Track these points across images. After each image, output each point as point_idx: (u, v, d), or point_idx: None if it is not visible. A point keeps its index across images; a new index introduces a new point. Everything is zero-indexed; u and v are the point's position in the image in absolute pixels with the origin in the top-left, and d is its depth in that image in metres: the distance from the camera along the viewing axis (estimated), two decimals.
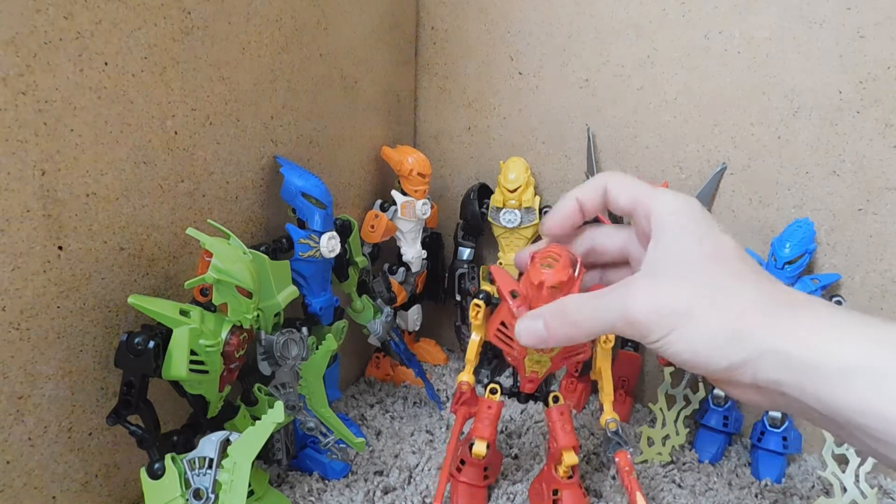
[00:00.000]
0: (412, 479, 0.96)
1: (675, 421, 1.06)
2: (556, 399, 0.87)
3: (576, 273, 0.80)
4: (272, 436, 0.86)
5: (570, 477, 0.85)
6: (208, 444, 0.70)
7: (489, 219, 1.19)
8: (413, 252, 1.16)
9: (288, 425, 0.90)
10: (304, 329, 0.88)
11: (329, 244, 0.91)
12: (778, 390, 0.50)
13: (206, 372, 0.71)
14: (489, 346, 0.91)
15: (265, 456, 0.89)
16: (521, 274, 0.81)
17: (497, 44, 1.19)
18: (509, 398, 0.91)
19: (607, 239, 0.72)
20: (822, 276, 1.01)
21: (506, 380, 0.95)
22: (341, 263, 1.00)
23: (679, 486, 0.99)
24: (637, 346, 1.16)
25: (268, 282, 0.81)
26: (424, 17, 1.24)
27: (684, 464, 1.04)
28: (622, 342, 1.15)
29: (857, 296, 1.02)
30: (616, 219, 1.03)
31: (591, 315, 0.60)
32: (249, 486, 0.73)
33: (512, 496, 0.93)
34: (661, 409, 1.07)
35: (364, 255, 1.07)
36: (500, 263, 1.19)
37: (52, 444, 0.68)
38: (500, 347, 0.85)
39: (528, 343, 0.66)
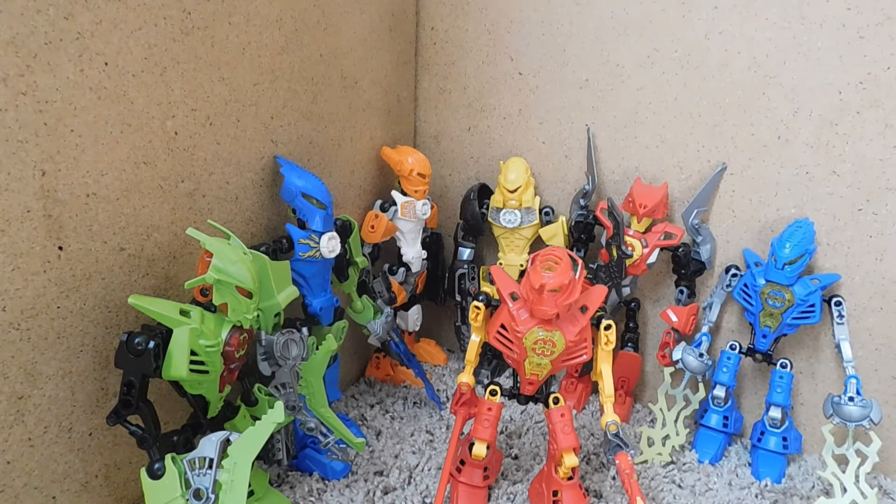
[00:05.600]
0: (412, 480, 0.96)
1: (675, 421, 1.06)
2: (556, 401, 0.87)
3: (577, 275, 0.80)
4: (272, 436, 0.86)
5: (570, 478, 0.85)
6: (208, 444, 0.70)
7: (489, 219, 1.19)
8: (413, 252, 1.16)
9: (288, 425, 0.90)
10: (304, 329, 0.88)
11: (329, 244, 0.91)
12: None
13: (207, 372, 0.71)
14: (489, 347, 0.91)
15: (265, 456, 0.89)
16: (520, 275, 0.81)
17: (497, 44, 1.19)
18: (509, 400, 0.91)
19: None
20: (822, 277, 1.01)
21: (505, 381, 0.95)
22: (341, 264, 1.00)
23: (679, 486, 0.99)
24: (637, 346, 1.16)
25: (268, 282, 0.81)
26: (424, 17, 1.24)
27: (684, 464, 1.04)
28: (622, 342, 1.15)
29: (857, 296, 1.02)
30: (616, 219, 1.03)
31: None
32: (249, 486, 0.73)
33: (512, 496, 0.93)
34: (661, 410, 1.07)
35: (364, 255, 1.07)
36: (501, 264, 1.19)
37: (52, 444, 0.68)
38: (500, 350, 0.85)
39: None
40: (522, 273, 1.14)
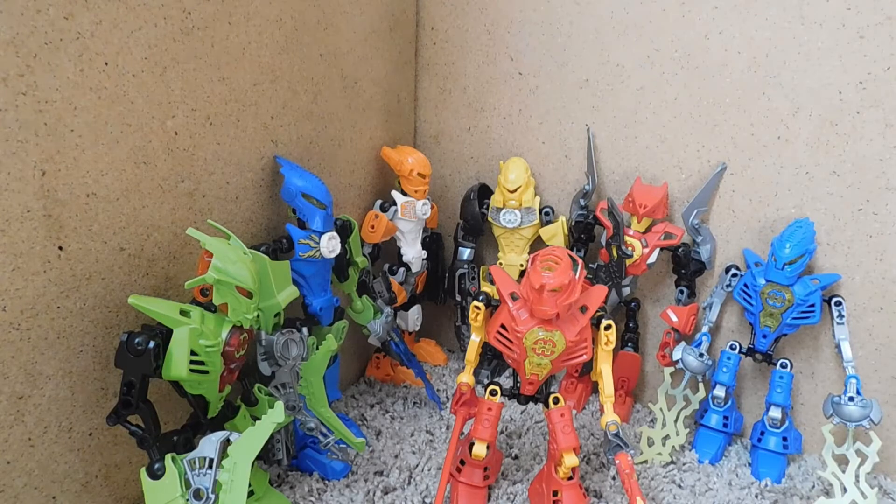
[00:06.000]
0: (412, 480, 0.96)
1: (675, 421, 1.06)
2: (556, 400, 0.87)
3: (577, 275, 0.80)
4: (272, 436, 0.86)
5: (570, 478, 0.85)
6: (208, 444, 0.70)
7: (489, 219, 1.19)
8: (413, 252, 1.16)
9: (288, 425, 0.90)
10: (304, 329, 0.88)
11: (329, 244, 0.91)
12: None
13: (207, 372, 0.71)
14: (489, 347, 0.91)
15: (265, 456, 0.89)
16: (520, 275, 0.81)
17: (497, 44, 1.19)
18: (509, 400, 0.91)
19: None
20: (822, 277, 1.01)
21: (505, 381, 0.95)
22: (341, 264, 1.00)
23: (679, 486, 0.99)
24: (637, 346, 1.16)
25: (268, 282, 0.81)
26: (424, 17, 1.24)
27: (684, 464, 1.04)
28: (622, 342, 1.15)
29: (857, 296, 1.02)
30: (616, 219, 1.03)
31: None
32: (249, 486, 0.73)
33: (512, 496, 0.93)
34: (661, 410, 1.07)
35: (364, 255, 1.07)
36: (501, 264, 1.19)
37: (52, 444, 0.68)
38: (500, 350, 0.85)
39: None
40: (522, 273, 1.14)
